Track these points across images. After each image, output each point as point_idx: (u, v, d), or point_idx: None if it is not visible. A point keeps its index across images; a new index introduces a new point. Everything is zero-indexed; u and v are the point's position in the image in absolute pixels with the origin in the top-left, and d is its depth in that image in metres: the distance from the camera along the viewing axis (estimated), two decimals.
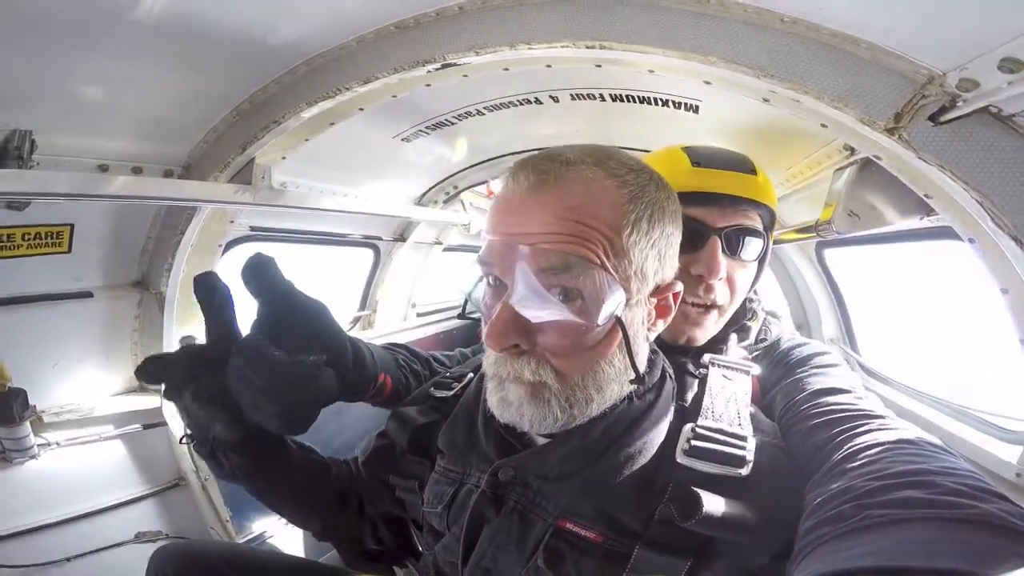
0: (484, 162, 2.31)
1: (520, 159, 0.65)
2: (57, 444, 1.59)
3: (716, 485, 0.63)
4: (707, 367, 0.84)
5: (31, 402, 1.48)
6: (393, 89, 1.37)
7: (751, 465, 0.64)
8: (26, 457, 1.53)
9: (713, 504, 0.60)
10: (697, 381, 0.80)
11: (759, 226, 0.96)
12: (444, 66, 1.19)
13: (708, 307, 0.94)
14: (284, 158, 1.67)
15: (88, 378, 1.70)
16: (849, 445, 0.61)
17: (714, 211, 0.92)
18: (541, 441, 0.72)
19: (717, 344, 0.97)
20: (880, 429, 0.63)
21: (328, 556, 1.60)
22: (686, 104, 1.51)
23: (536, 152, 0.66)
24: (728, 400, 0.75)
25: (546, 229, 0.58)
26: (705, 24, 0.95)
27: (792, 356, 0.95)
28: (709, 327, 0.95)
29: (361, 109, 1.49)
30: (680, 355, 0.89)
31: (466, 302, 0.73)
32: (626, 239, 0.60)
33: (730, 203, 0.92)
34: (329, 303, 0.75)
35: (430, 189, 2.48)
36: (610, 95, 1.59)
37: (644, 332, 0.68)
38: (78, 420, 1.64)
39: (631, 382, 0.67)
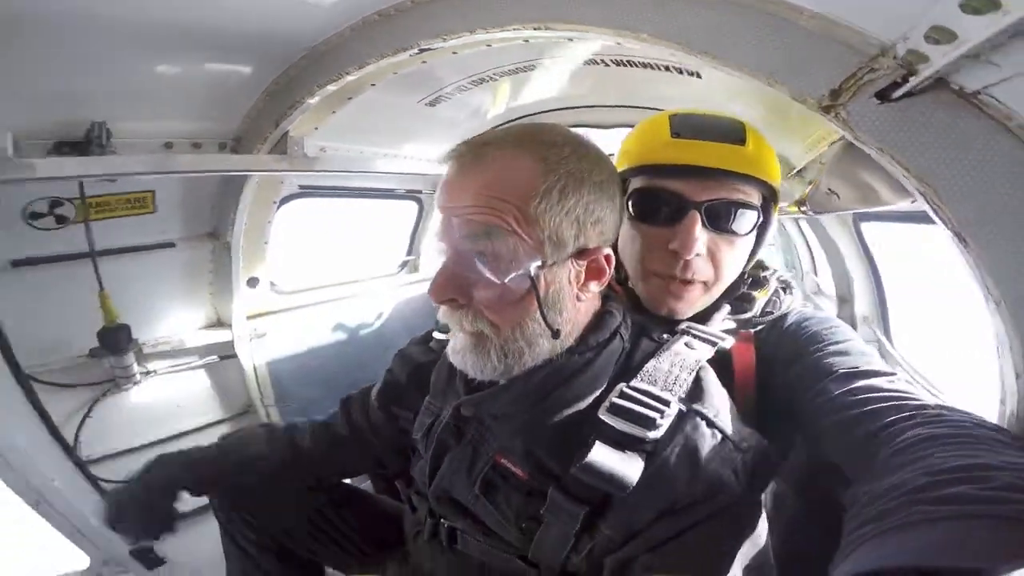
0: (508, 122, 2.33)
1: (461, 141, 0.73)
2: (155, 372, 2.01)
3: (630, 443, 0.68)
4: (675, 334, 0.85)
5: (134, 336, 1.86)
6: (392, 68, 1.46)
7: (662, 429, 0.67)
8: (131, 384, 1.93)
9: (601, 457, 0.66)
10: (653, 345, 0.82)
11: (751, 199, 0.89)
12: (421, 50, 1.26)
13: (689, 282, 0.91)
14: (316, 128, 1.85)
15: (175, 315, 2.09)
16: (900, 438, 0.60)
17: (694, 184, 0.87)
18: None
19: (705, 315, 0.94)
20: (933, 421, 0.61)
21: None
22: (687, 71, 1.44)
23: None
24: (672, 365, 0.76)
25: (469, 202, 0.68)
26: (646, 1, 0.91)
27: (802, 332, 0.91)
28: (693, 300, 0.92)
29: (373, 85, 1.60)
30: (664, 323, 0.90)
31: None
32: (534, 208, 0.67)
33: (713, 175, 0.86)
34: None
35: None
36: (612, 61, 1.55)
37: (573, 291, 0.74)
38: (170, 351, 2.05)
39: (552, 336, 0.72)
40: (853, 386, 0.73)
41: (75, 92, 1.38)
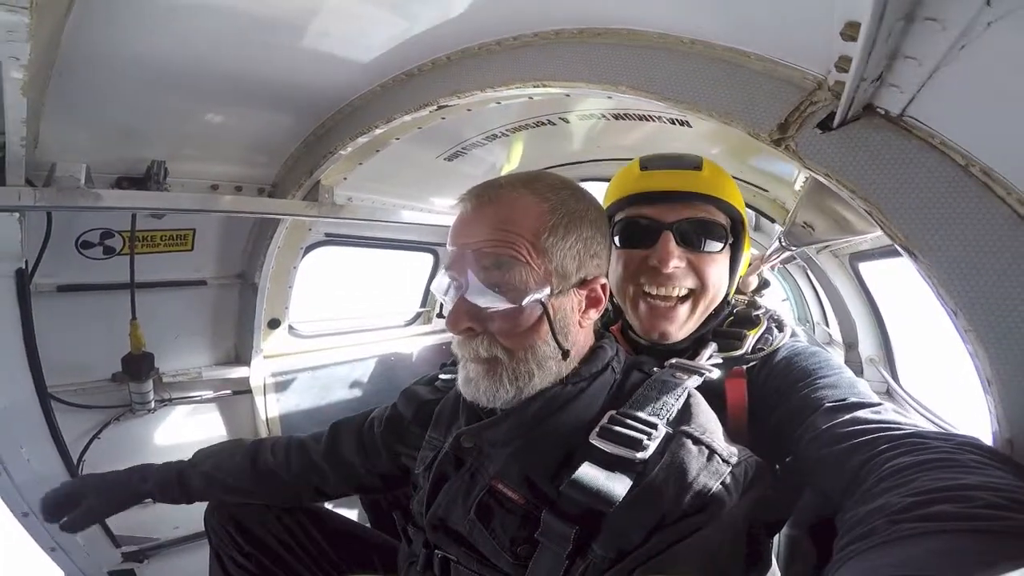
0: None
1: (473, 186, 0.81)
2: (170, 401, 2.08)
3: (618, 465, 0.70)
4: (663, 367, 0.89)
5: (156, 365, 1.96)
6: (416, 123, 1.65)
7: (650, 450, 0.70)
8: (145, 410, 2.00)
9: (588, 474, 0.69)
10: (643, 376, 0.86)
11: (716, 218, 1.00)
12: (439, 107, 1.44)
13: (676, 300, 0.99)
14: (345, 179, 2.05)
15: (197, 348, 2.20)
16: (887, 467, 0.62)
17: (663, 208, 1.00)
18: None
19: (696, 350, 1.00)
20: (918, 449, 0.63)
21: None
22: (677, 120, 1.60)
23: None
24: (660, 393, 0.80)
25: (484, 237, 0.75)
26: (617, 54, 1.07)
27: (792, 367, 0.95)
28: (680, 321, 1.00)
29: (397, 139, 1.80)
30: (661, 357, 0.95)
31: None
32: (544, 241, 0.75)
33: (678, 198, 0.99)
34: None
35: None
36: (612, 115, 1.73)
37: (576, 318, 0.80)
38: (187, 382, 2.13)
39: (562, 357, 0.78)
40: (841, 419, 0.76)
41: (140, 131, 1.59)
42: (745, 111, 0.90)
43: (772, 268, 2.62)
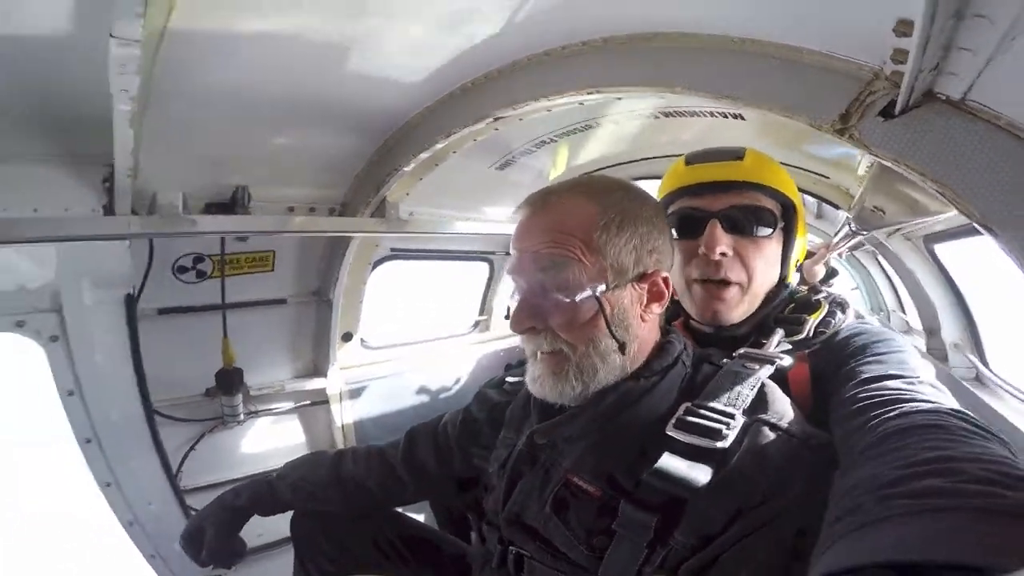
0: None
1: (531, 193, 0.87)
2: (257, 413, 2.25)
3: (699, 456, 0.71)
4: (732, 358, 0.90)
5: (244, 379, 2.13)
6: (472, 136, 1.74)
7: (729, 439, 0.70)
8: (235, 422, 2.17)
9: (669, 463, 0.70)
10: (714, 368, 0.87)
11: (763, 203, 1.04)
12: (496, 119, 1.53)
13: (726, 284, 1.02)
14: (408, 194, 2.16)
15: (280, 363, 2.36)
16: (878, 431, 0.62)
17: (708, 198, 1.04)
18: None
19: (760, 339, 1.01)
20: (909, 413, 0.64)
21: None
22: (730, 115, 1.61)
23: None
24: (734, 383, 0.81)
25: (540, 239, 0.80)
26: (669, 57, 1.11)
27: (850, 345, 0.95)
28: (733, 303, 1.03)
29: (455, 152, 1.90)
30: (725, 348, 0.96)
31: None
32: (597, 239, 0.79)
33: (723, 188, 1.03)
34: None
35: None
36: (662, 113, 1.76)
37: (637, 312, 0.83)
38: (272, 395, 2.29)
39: (617, 350, 0.80)
40: (867, 388, 0.76)
41: (224, 159, 1.75)
42: (806, 103, 0.92)
43: (840, 256, 2.53)
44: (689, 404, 0.78)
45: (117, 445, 1.74)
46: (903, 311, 2.96)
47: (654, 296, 0.84)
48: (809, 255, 1.46)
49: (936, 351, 2.06)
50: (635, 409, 0.81)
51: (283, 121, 1.69)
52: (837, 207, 2.02)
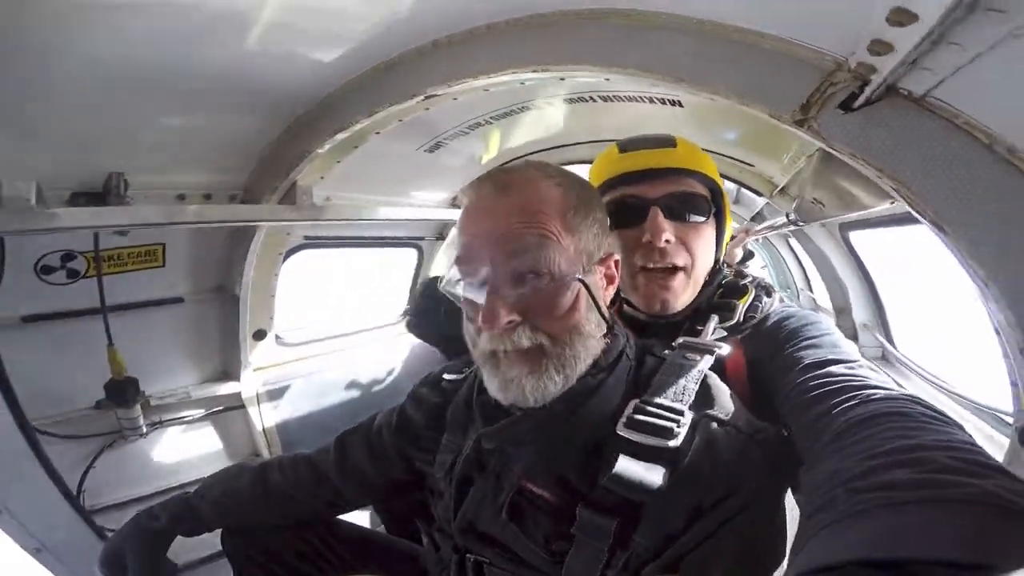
0: (508, 163, 2.46)
1: (481, 175, 0.80)
2: (162, 423, 2.00)
3: (652, 455, 0.70)
4: (673, 348, 0.90)
5: (141, 388, 1.86)
6: (398, 115, 1.57)
7: (680, 438, 0.70)
8: (137, 435, 1.92)
9: (626, 467, 0.69)
10: (657, 361, 0.86)
11: (697, 189, 1.04)
12: (428, 97, 1.37)
13: (671, 270, 1.02)
14: (322, 178, 1.94)
15: (183, 367, 2.10)
16: (841, 420, 0.63)
17: (646, 185, 1.03)
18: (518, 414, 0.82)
19: (696, 326, 1.01)
20: (870, 401, 0.64)
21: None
22: (669, 100, 1.56)
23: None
24: (678, 377, 0.80)
25: (511, 220, 0.73)
26: (630, 37, 1.03)
27: (781, 330, 0.97)
28: (679, 290, 1.03)
29: (377, 133, 1.71)
30: (662, 336, 0.97)
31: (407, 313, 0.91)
32: (571, 219, 0.75)
33: (659, 175, 1.02)
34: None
35: (461, 191, 2.67)
36: (600, 96, 1.68)
37: (601, 295, 0.80)
38: (177, 403, 2.04)
39: (605, 334, 0.79)
40: (813, 374, 0.77)
41: (93, 141, 1.46)
42: (765, 92, 0.89)
43: (757, 239, 2.65)
44: (637, 401, 0.77)
45: None
46: (811, 290, 3.18)
47: (609, 280, 0.83)
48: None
49: (845, 330, 2.20)
50: (585, 408, 0.78)
51: (169, 97, 1.42)
52: (760, 194, 2.08)
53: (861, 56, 0.76)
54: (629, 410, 0.75)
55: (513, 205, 0.74)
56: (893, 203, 1.16)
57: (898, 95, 0.78)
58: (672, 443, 0.69)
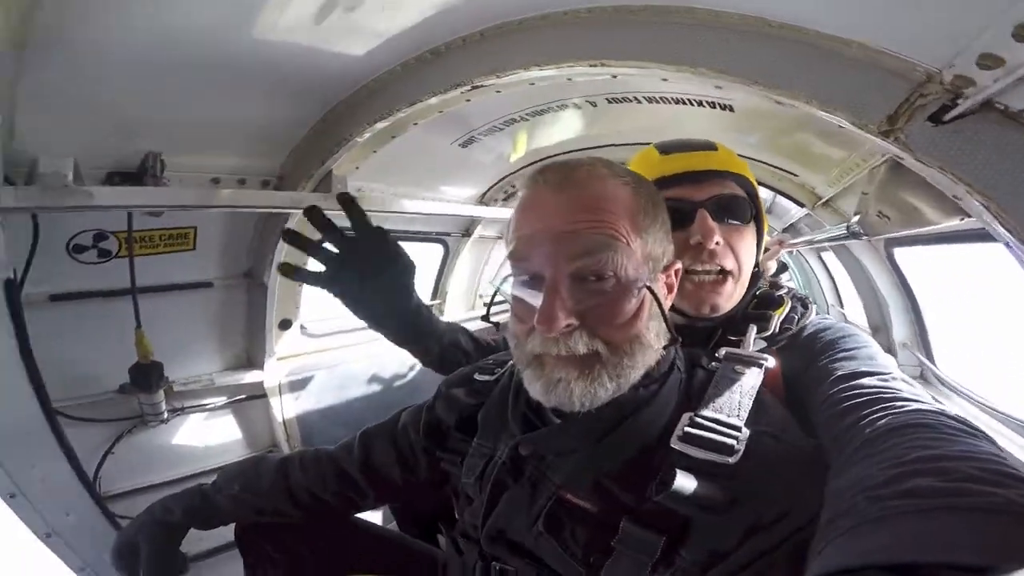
0: (537, 162, 2.43)
1: (538, 166, 0.75)
2: (184, 410, 1.98)
3: (707, 471, 0.67)
4: (720, 361, 0.86)
5: (165, 373, 1.84)
6: (438, 107, 1.54)
7: (739, 454, 0.67)
8: (158, 421, 1.90)
9: (685, 483, 0.65)
10: (707, 373, 0.83)
11: (738, 191, 1.03)
12: (473, 87, 1.33)
13: (721, 274, 1.00)
14: (357, 168, 1.92)
15: (208, 354, 2.08)
16: (868, 431, 0.62)
17: (691, 187, 1.00)
18: (557, 421, 0.80)
19: (729, 334, 0.99)
20: (898, 412, 0.63)
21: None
22: (720, 104, 1.52)
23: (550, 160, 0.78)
24: (731, 392, 0.77)
25: (577, 218, 0.69)
26: (697, 35, 0.99)
27: (817, 342, 0.94)
28: (727, 293, 1.01)
29: (416, 124, 1.68)
30: (693, 342, 0.95)
31: (489, 305, 0.87)
32: (641, 222, 0.71)
33: (704, 177, 1.01)
34: None
35: (490, 188, 2.66)
36: (644, 98, 1.64)
37: (665, 304, 0.76)
38: (200, 390, 2.02)
39: (667, 344, 0.76)
40: (844, 386, 0.76)
41: (132, 121, 1.44)
42: (851, 101, 0.84)
43: (790, 252, 2.59)
44: (692, 415, 0.73)
45: (15, 452, 1.46)
46: (841, 306, 3.11)
47: (669, 288, 0.80)
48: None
49: (882, 347, 2.13)
50: (635, 419, 0.74)
51: (210, 79, 1.39)
52: (802, 204, 2.03)
53: (961, 69, 0.73)
54: (684, 423, 0.72)
55: (579, 201, 0.70)
56: (962, 219, 1.11)
57: (993, 110, 0.74)
58: (731, 459, 0.67)
